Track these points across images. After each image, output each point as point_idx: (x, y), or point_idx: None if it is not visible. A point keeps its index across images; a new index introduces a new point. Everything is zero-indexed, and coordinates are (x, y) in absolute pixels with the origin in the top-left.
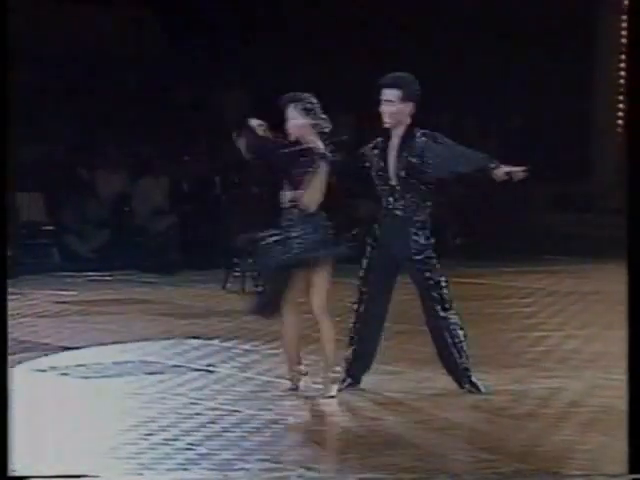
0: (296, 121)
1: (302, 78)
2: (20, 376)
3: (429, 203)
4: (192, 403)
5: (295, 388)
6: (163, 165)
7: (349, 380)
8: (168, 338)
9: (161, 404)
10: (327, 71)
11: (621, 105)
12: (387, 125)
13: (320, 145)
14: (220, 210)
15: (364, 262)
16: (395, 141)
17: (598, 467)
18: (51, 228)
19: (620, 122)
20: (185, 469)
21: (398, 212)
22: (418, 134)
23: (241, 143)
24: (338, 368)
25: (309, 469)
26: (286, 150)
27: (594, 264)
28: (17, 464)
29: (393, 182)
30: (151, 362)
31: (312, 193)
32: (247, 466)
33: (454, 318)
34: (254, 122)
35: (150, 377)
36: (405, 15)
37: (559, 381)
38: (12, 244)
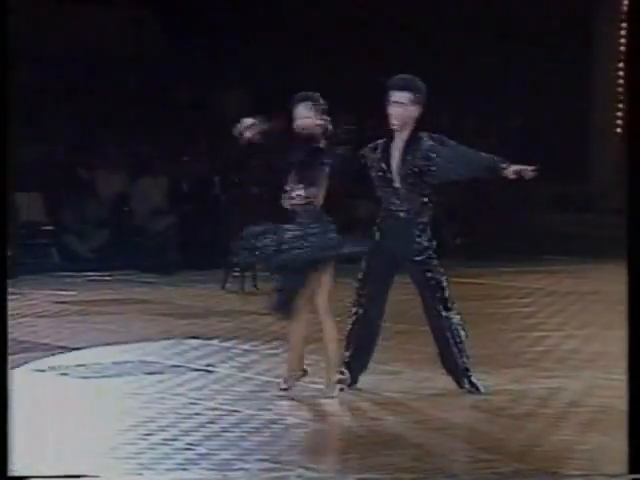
0: (306, 119)
1: (302, 78)
2: (19, 376)
3: (431, 205)
4: (191, 403)
5: (288, 389)
6: (163, 165)
7: (346, 380)
8: (167, 338)
9: (160, 404)
10: (327, 71)
11: (620, 105)
12: (394, 127)
13: (327, 144)
14: (220, 210)
15: (363, 263)
16: (399, 143)
17: (597, 467)
18: (50, 228)
19: (619, 122)
20: (184, 469)
21: (401, 214)
22: (424, 137)
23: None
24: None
25: (308, 469)
26: (300, 148)
27: (593, 264)
28: (17, 464)
29: (397, 184)
30: (150, 362)
31: (322, 192)
32: (246, 466)
33: (456, 318)
34: (247, 121)
35: (149, 377)
36: (405, 15)
37: (558, 381)
38: (11, 244)
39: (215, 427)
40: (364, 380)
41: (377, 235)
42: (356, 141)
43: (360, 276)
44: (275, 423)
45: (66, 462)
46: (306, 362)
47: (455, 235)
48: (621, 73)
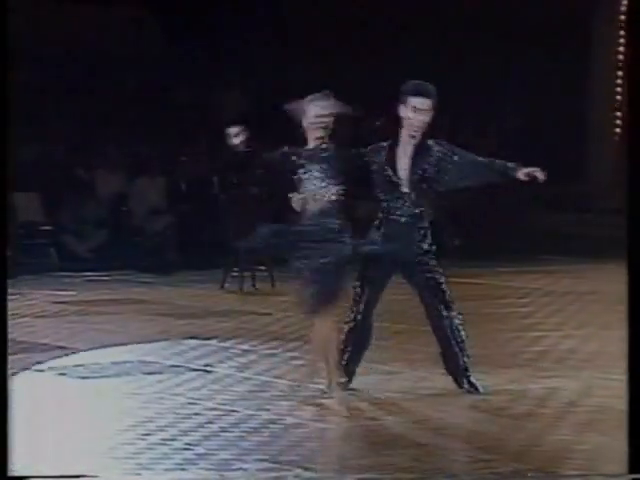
0: (320, 118)
1: (302, 78)
2: (18, 376)
3: (432, 210)
4: (190, 403)
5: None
6: (161, 165)
7: (346, 380)
8: (166, 338)
9: (159, 404)
10: (327, 71)
11: (619, 105)
12: (414, 134)
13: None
14: (218, 210)
15: (361, 267)
16: (408, 149)
17: (595, 467)
18: (49, 228)
19: (618, 122)
20: (183, 469)
21: (403, 219)
22: (432, 143)
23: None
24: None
25: (306, 469)
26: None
27: (591, 264)
28: (17, 464)
29: (405, 189)
30: (149, 362)
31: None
32: (245, 466)
33: (457, 318)
34: (232, 130)
35: (148, 377)
36: (405, 15)
37: (556, 381)
38: (10, 244)
39: (214, 427)
40: (364, 380)
41: (376, 237)
42: (354, 141)
43: (358, 281)
44: (274, 423)
45: (64, 462)
46: (304, 362)
47: (454, 236)
48: (620, 73)
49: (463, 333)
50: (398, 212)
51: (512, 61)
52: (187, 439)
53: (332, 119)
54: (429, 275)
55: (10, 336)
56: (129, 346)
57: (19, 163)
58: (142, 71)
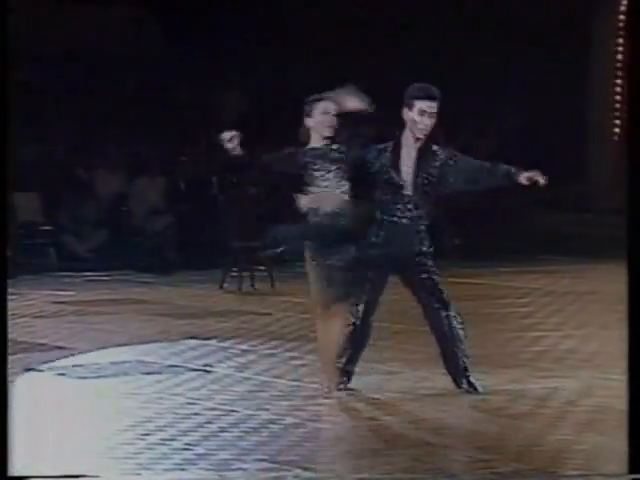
0: (329, 118)
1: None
2: (18, 376)
3: (432, 212)
4: (189, 403)
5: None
6: (161, 165)
7: (344, 380)
8: (165, 338)
9: (158, 404)
10: (327, 71)
11: (618, 105)
12: (420, 137)
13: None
14: (217, 210)
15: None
16: (413, 152)
17: (594, 467)
18: (48, 228)
19: (617, 122)
20: (182, 469)
21: (404, 220)
22: (435, 148)
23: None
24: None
25: (306, 469)
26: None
27: (591, 264)
28: (17, 464)
29: (408, 192)
30: (148, 362)
31: None
32: (244, 466)
33: (455, 318)
34: (226, 135)
35: (147, 377)
36: (405, 15)
37: (556, 381)
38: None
39: (213, 427)
40: (363, 380)
41: (374, 238)
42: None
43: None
44: (273, 423)
45: (63, 462)
46: (303, 362)
47: (454, 236)
48: (620, 73)
49: (462, 333)
50: (399, 214)
51: (512, 61)
52: (186, 439)
53: (337, 118)
54: (426, 276)
55: (9, 336)
56: (128, 346)
57: (19, 163)
58: (142, 71)
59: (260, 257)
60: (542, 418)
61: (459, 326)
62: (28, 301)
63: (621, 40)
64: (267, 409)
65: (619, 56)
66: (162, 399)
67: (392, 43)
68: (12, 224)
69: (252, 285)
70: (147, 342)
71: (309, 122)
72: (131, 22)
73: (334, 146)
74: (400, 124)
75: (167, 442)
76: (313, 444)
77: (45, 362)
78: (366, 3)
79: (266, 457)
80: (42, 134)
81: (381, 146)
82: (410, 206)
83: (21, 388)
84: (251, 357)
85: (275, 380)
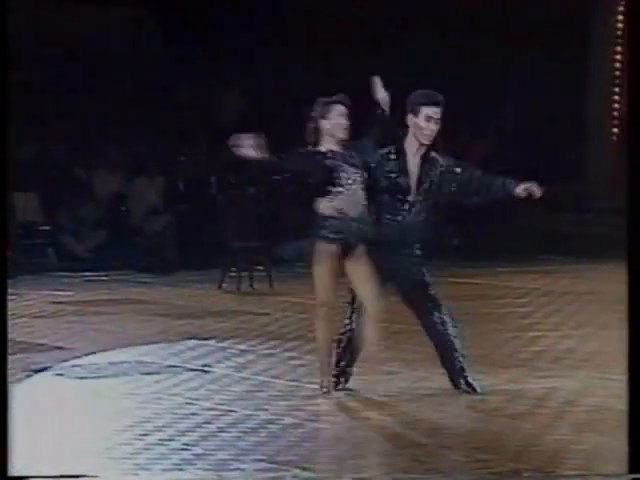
0: (341, 122)
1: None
2: (17, 377)
3: (432, 217)
4: (188, 403)
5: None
6: (159, 165)
7: (343, 380)
8: (164, 338)
9: (157, 404)
10: (327, 71)
11: (616, 105)
12: (426, 143)
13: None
14: (216, 210)
15: None
16: (416, 158)
17: (593, 467)
18: (47, 228)
19: (616, 122)
20: (181, 469)
21: (406, 224)
22: (436, 155)
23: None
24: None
25: (304, 469)
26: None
27: (590, 264)
28: (17, 464)
29: (411, 198)
30: (147, 362)
31: None
32: (242, 466)
33: (448, 317)
34: (246, 140)
35: (146, 377)
36: (405, 15)
37: (554, 381)
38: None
39: (211, 427)
40: (362, 380)
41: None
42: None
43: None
44: (272, 423)
45: (62, 462)
46: (302, 362)
47: (453, 235)
48: (618, 73)
49: (455, 332)
50: (400, 217)
51: (511, 61)
52: (185, 439)
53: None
54: (418, 278)
55: (8, 336)
56: (127, 346)
57: (18, 163)
58: (142, 71)
59: (259, 257)
60: (540, 418)
61: (452, 327)
62: (27, 301)
63: (620, 40)
64: (265, 409)
65: (618, 56)
66: (161, 399)
67: (392, 43)
68: (11, 224)
69: (251, 285)
70: (146, 342)
71: (324, 124)
72: (131, 22)
73: (350, 149)
74: (401, 130)
75: (165, 442)
76: (312, 444)
77: (44, 362)
78: (366, 3)
79: (264, 457)
80: (41, 134)
81: (384, 151)
82: (413, 210)
83: (20, 388)
84: (250, 357)
85: (273, 380)
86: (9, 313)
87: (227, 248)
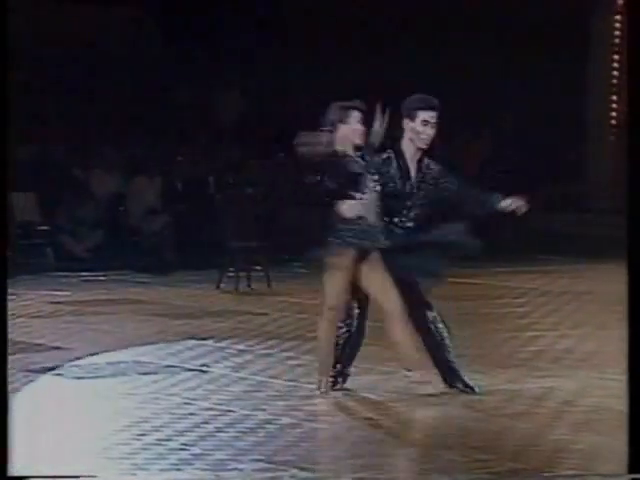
0: (361, 128)
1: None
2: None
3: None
4: (186, 403)
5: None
6: (158, 165)
7: (341, 380)
8: (162, 338)
9: (155, 404)
10: (327, 71)
11: (615, 105)
12: (423, 147)
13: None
14: (215, 210)
15: None
16: (413, 163)
17: (591, 467)
18: (45, 228)
19: (614, 122)
20: (179, 469)
21: (398, 230)
22: (429, 161)
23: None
24: None
25: (303, 469)
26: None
27: (588, 264)
28: (17, 464)
29: (410, 202)
30: (145, 362)
31: None
32: (240, 466)
33: (438, 317)
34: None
35: (144, 377)
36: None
37: (552, 381)
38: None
39: (209, 427)
40: (362, 380)
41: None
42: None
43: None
44: (270, 423)
45: (60, 462)
46: (300, 362)
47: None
48: (618, 73)
49: (446, 332)
50: (396, 221)
51: (509, 61)
52: (183, 439)
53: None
54: (409, 279)
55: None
56: (125, 346)
57: (17, 163)
58: (142, 71)
59: (257, 257)
60: (538, 418)
61: (442, 325)
62: (25, 301)
63: (619, 40)
64: (263, 409)
65: (617, 56)
66: (159, 399)
67: (392, 43)
68: (11, 224)
69: (249, 285)
70: (144, 342)
71: (343, 129)
72: (131, 22)
73: (366, 153)
74: (396, 135)
75: (163, 442)
76: (310, 444)
77: (42, 362)
78: (366, 3)
79: (262, 457)
80: (40, 134)
81: (384, 156)
82: (409, 216)
83: (19, 388)
84: (248, 357)
85: (272, 380)
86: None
87: (225, 248)
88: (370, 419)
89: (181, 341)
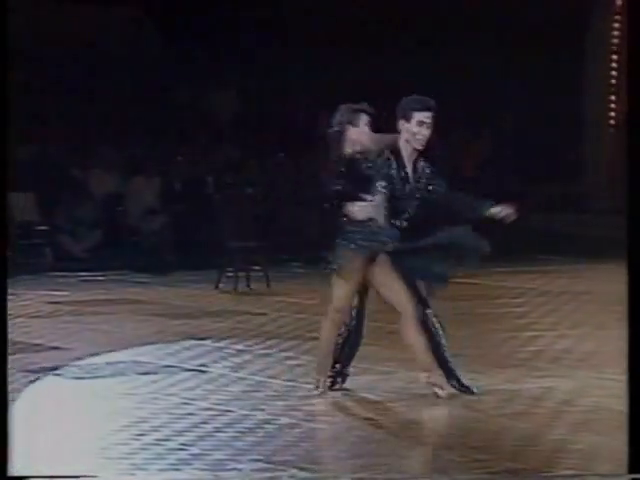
0: (369, 131)
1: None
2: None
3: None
4: (184, 403)
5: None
6: (156, 165)
7: (340, 380)
8: (161, 338)
9: (153, 404)
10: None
11: (614, 105)
12: (420, 148)
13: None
14: (213, 210)
15: None
16: (410, 165)
17: (589, 466)
18: (44, 228)
19: (613, 122)
20: (177, 469)
21: (402, 227)
22: (423, 162)
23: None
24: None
25: (301, 469)
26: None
27: (587, 264)
28: (17, 464)
29: (408, 203)
30: (143, 362)
31: None
32: (239, 466)
33: (436, 318)
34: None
35: (142, 377)
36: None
37: (551, 381)
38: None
39: (208, 427)
40: (361, 380)
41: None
42: None
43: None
44: (268, 423)
45: (59, 462)
46: (299, 362)
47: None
48: (617, 73)
49: (442, 332)
50: (397, 223)
51: (508, 61)
52: (181, 439)
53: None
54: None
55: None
56: (124, 346)
57: (16, 163)
58: (141, 71)
59: (256, 257)
60: (537, 418)
61: (439, 324)
62: (24, 301)
63: (618, 40)
64: (262, 409)
65: (616, 56)
66: (157, 399)
67: (392, 43)
68: (10, 224)
69: (248, 285)
70: (143, 342)
71: (352, 131)
72: (131, 22)
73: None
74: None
75: (162, 442)
76: (309, 444)
77: (40, 363)
78: (366, 3)
79: (261, 457)
80: (40, 134)
81: (383, 158)
82: (406, 217)
83: (18, 388)
84: (246, 357)
85: (270, 380)
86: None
87: (224, 248)
88: (369, 419)
89: (180, 341)
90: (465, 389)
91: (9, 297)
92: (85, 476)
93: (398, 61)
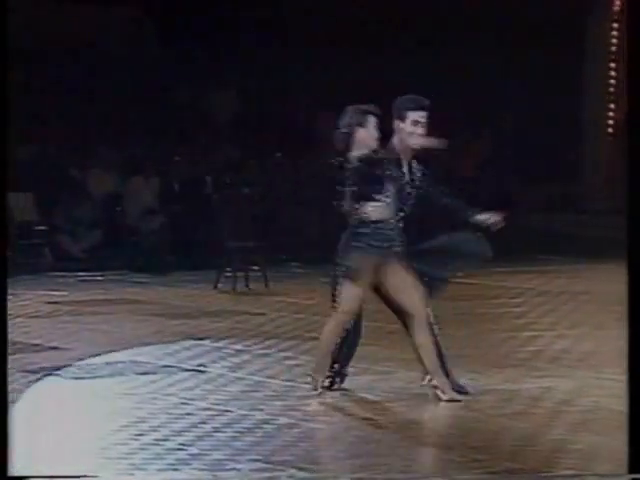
0: (375, 132)
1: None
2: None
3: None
4: (183, 403)
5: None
6: (155, 165)
7: (338, 380)
8: (159, 338)
9: (152, 404)
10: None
11: (612, 105)
12: (416, 147)
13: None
14: (212, 210)
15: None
16: (406, 165)
17: (588, 466)
18: (43, 228)
19: (611, 122)
20: (176, 469)
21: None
22: (417, 165)
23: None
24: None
25: (300, 469)
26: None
27: (586, 264)
28: (17, 464)
29: (406, 204)
30: (142, 362)
31: None
32: (238, 466)
33: (432, 319)
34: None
35: (141, 377)
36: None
37: (550, 381)
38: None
39: (207, 427)
40: (361, 380)
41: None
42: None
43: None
44: (267, 423)
45: (58, 462)
46: (297, 362)
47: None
48: (615, 73)
49: (438, 333)
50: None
51: (507, 61)
52: (180, 439)
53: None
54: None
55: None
56: (123, 346)
57: (16, 163)
58: (141, 71)
59: (254, 257)
60: (536, 418)
61: (436, 327)
62: (23, 301)
63: (617, 41)
64: (261, 409)
65: (615, 56)
66: (156, 399)
67: (392, 43)
68: (10, 224)
69: (246, 285)
70: (141, 342)
71: (360, 133)
72: (131, 22)
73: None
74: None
75: (161, 442)
76: (307, 444)
77: (39, 363)
78: (366, 3)
79: (260, 457)
80: (40, 134)
81: (389, 156)
82: (402, 215)
83: (18, 389)
84: (245, 357)
85: (269, 380)
86: None
87: (223, 248)
88: (368, 419)
89: (179, 341)
90: (460, 389)
91: (9, 297)
92: (85, 476)
93: (398, 61)
